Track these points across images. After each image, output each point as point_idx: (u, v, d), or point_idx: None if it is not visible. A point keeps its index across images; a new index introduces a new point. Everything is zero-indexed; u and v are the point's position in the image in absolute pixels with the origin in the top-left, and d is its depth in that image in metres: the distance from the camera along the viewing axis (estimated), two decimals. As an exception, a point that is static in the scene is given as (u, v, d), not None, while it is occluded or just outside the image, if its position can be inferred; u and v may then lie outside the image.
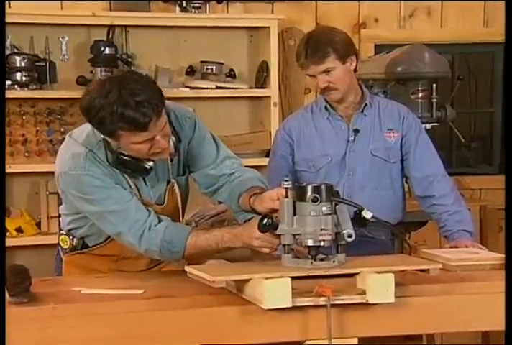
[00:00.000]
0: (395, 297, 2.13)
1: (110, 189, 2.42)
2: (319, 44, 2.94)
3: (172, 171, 2.59)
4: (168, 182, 2.59)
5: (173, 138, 2.47)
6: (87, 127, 2.47)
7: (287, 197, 2.26)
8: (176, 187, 2.60)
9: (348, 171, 3.05)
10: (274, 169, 3.13)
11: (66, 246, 2.66)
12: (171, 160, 2.57)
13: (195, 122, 2.61)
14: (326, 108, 3.09)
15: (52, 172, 2.59)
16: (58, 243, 2.70)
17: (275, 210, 2.33)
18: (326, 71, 2.95)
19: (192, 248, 2.40)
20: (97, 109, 2.29)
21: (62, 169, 2.46)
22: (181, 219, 2.66)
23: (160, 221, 2.42)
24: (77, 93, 3.63)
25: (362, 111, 3.07)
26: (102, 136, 2.41)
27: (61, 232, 2.68)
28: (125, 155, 2.41)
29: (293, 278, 2.09)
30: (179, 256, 2.43)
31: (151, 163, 2.46)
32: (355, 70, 3.06)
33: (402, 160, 3.08)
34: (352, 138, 3.05)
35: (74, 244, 2.64)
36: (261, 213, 2.38)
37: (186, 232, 2.41)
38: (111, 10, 4.04)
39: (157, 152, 2.38)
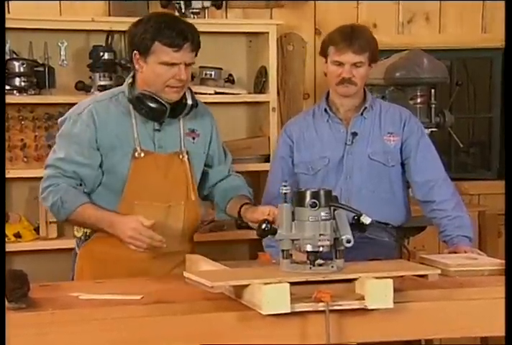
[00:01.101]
0: (394, 302, 2.13)
1: (74, 143, 2.66)
2: (363, 38, 3.01)
3: (190, 148, 2.76)
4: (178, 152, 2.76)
5: (191, 99, 2.73)
6: None
7: (285, 202, 2.26)
8: (186, 158, 2.74)
9: (345, 174, 3.05)
10: (275, 171, 3.15)
11: (80, 235, 2.75)
12: (193, 138, 2.78)
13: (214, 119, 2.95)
14: (325, 110, 3.10)
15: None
16: (74, 236, 2.80)
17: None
18: (357, 64, 2.99)
19: (79, 214, 2.61)
20: (145, 22, 2.65)
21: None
22: (192, 194, 2.76)
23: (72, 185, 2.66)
24: (76, 99, 3.67)
25: (362, 114, 3.07)
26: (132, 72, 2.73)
27: None
28: (145, 95, 2.64)
29: (292, 283, 2.09)
30: (64, 216, 2.64)
31: (167, 105, 2.65)
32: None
33: (403, 164, 3.08)
34: (350, 141, 3.05)
35: (86, 229, 2.73)
36: (248, 221, 2.66)
37: (83, 200, 2.63)
38: (109, 15, 4.04)
39: (173, 85, 2.63)
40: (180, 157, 2.74)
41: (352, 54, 2.98)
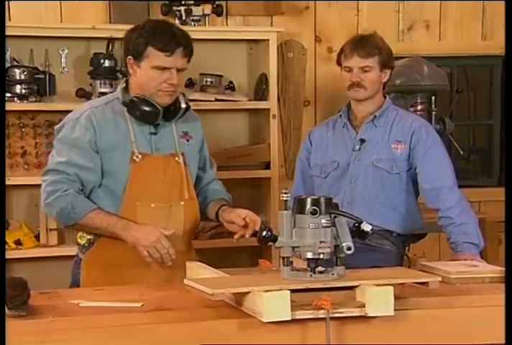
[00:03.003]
0: (395, 310, 2.13)
1: (75, 147, 2.69)
2: (370, 43, 3.08)
3: (185, 150, 2.81)
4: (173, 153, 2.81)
5: (184, 103, 2.78)
6: None
7: (286, 209, 2.26)
8: (181, 159, 2.79)
9: (350, 179, 3.10)
10: (297, 174, 3.33)
11: (83, 242, 2.78)
12: (187, 140, 2.85)
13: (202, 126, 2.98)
14: (341, 116, 3.18)
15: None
16: (77, 242, 2.82)
17: (233, 223, 2.71)
18: (364, 68, 3.05)
19: (89, 219, 2.65)
20: (140, 28, 2.71)
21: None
22: (190, 194, 2.80)
23: (77, 191, 2.69)
24: (76, 106, 3.67)
25: (373, 122, 3.11)
26: (125, 74, 2.85)
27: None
28: (139, 98, 2.70)
29: (292, 291, 2.09)
30: (73, 221, 2.67)
31: (160, 108, 2.71)
32: (384, 86, 3.16)
33: (412, 172, 3.09)
34: (358, 147, 3.10)
35: (90, 237, 2.76)
36: (223, 221, 2.78)
37: (94, 206, 2.68)
38: (110, 23, 4.04)
39: (165, 90, 2.70)
40: (176, 158, 2.79)
41: (359, 58, 3.06)
